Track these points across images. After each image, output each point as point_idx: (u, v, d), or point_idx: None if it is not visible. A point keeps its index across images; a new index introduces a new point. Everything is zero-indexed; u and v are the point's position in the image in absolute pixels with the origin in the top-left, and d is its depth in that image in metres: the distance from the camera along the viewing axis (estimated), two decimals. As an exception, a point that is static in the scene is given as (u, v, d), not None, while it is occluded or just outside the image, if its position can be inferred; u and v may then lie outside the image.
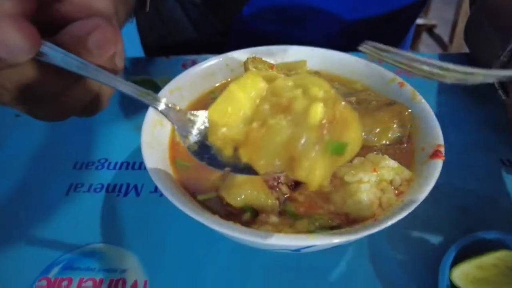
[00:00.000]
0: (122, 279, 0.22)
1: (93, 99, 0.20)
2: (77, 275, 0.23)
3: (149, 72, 0.42)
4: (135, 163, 0.29)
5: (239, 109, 0.20)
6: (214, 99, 0.27)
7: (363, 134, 0.22)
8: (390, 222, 0.16)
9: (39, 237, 0.24)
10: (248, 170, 0.18)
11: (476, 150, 0.28)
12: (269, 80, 0.21)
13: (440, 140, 0.20)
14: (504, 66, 0.27)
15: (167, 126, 0.24)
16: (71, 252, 0.24)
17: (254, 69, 0.26)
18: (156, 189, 0.26)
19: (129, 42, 0.62)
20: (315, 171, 0.15)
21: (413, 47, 1.82)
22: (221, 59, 0.30)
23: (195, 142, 0.21)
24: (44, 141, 0.32)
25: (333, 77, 0.29)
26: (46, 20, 0.16)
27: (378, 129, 0.22)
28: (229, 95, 0.20)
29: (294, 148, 0.15)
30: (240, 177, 0.19)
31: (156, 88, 0.40)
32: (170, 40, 0.53)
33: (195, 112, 0.21)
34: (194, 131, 0.21)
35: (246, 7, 0.48)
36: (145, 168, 0.23)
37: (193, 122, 0.22)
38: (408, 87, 0.24)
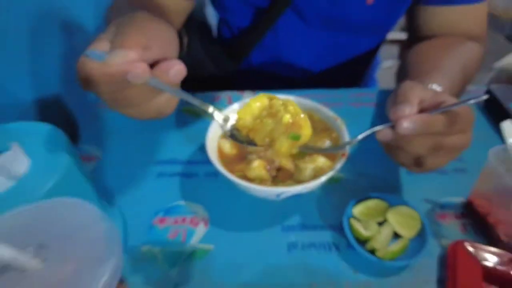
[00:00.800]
0: (195, 217, 0.43)
1: (164, 107, 0.30)
2: (172, 216, 0.44)
3: (187, 104, 0.63)
4: (194, 161, 0.50)
5: (251, 112, 0.39)
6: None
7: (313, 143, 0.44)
8: (317, 182, 0.38)
9: (148, 200, 0.45)
10: (253, 143, 0.37)
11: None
12: (271, 99, 0.40)
13: (347, 150, 0.41)
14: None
15: (216, 137, 0.45)
16: (166, 206, 0.45)
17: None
18: (211, 173, 0.47)
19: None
20: (282, 147, 0.36)
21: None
22: (241, 102, 0.50)
23: (229, 130, 0.38)
24: (142, 148, 0.53)
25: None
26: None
27: (319, 142, 0.44)
28: (248, 104, 0.39)
29: (273, 134, 0.36)
30: (254, 163, 0.40)
31: (197, 114, 0.62)
32: (197, 73, 0.75)
33: (228, 114, 0.38)
34: (229, 124, 0.38)
35: (254, 54, 0.70)
36: (201, 163, 0.45)
37: (228, 119, 0.38)
38: (339, 120, 0.45)
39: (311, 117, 0.47)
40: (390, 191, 0.44)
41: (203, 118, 0.57)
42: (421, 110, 0.32)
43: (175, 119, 0.57)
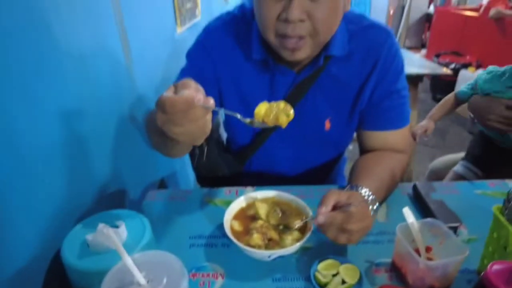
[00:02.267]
0: (215, 273, 0.65)
1: (206, 126, 0.47)
2: (200, 272, 0.66)
3: (208, 196, 0.90)
4: (214, 235, 0.74)
5: (260, 109, 0.52)
6: (243, 211, 0.75)
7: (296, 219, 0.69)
8: (294, 248, 0.62)
9: (184, 262, 0.68)
10: (266, 125, 0.52)
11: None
12: (269, 104, 0.53)
13: (311, 227, 0.66)
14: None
15: (229, 219, 0.70)
16: (196, 265, 0.68)
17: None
18: (225, 244, 0.71)
19: (187, 178, 1.16)
20: (282, 119, 0.51)
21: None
22: (245, 195, 0.77)
23: (248, 121, 0.53)
24: (179, 228, 0.78)
25: (281, 201, 0.76)
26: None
27: (295, 222, 0.69)
28: (259, 105, 0.53)
29: (277, 114, 0.51)
30: (254, 236, 0.64)
31: (215, 204, 0.87)
32: (214, 174, 1.02)
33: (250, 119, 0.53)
34: (247, 119, 0.52)
35: (253, 161, 0.99)
36: (219, 237, 0.70)
37: (244, 118, 0.53)
38: (307, 208, 0.71)
39: (289, 205, 0.74)
40: (341, 255, 0.68)
41: (220, 206, 0.83)
42: (336, 208, 0.59)
43: (200, 208, 0.83)
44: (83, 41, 0.72)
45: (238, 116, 0.52)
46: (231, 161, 0.97)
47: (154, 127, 0.60)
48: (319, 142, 0.89)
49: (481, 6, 3.82)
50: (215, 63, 0.81)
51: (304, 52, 0.69)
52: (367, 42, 0.78)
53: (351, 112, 0.84)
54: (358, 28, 0.78)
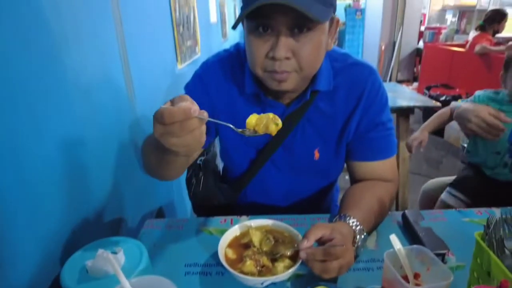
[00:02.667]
0: None
1: (201, 137, 0.49)
2: None
3: (203, 225, 0.92)
4: (208, 263, 0.76)
5: (251, 120, 0.57)
6: (237, 239, 0.77)
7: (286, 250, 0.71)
8: (286, 274, 0.64)
9: None
10: (257, 132, 0.56)
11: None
12: (259, 115, 0.58)
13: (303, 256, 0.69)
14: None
15: (224, 247, 0.72)
16: None
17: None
18: (219, 272, 0.73)
19: (184, 207, 1.19)
20: (271, 128, 0.56)
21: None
22: (239, 224, 0.80)
23: (240, 131, 0.57)
24: (175, 256, 0.79)
25: (274, 229, 0.79)
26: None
27: (287, 250, 0.71)
28: (250, 117, 0.57)
29: (267, 124, 0.56)
30: (247, 263, 0.67)
31: (211, 233, 0.90)
32: (209, 202, 1.03)
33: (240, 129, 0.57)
34: (239, 129, 0.57)
35: (247, 190, 1.02)
36: (213, 265, 0.71)
37: (238, 128, 0.58)
38: (299, 236, 0.74)
39: (282, 233, 0.77)
40: (332, 281, 0.69)
41: (215, 235, 0.85)
42: (320, 241, 0.62)
43: (196, 236, 0.85)
44: (89, 74, 0.78)
45: (231, 126, 0.56)
46: (226, 190, 1.00)
47: (152, 144, 0.63)
48: (310, 171, 0.93)
49: (467, 42, 4.02)
50: (211, 95, 0.87)
51: (290, 83, 0.74)
52: (351, 78, 0.84)
53: (338, 143, 0.89)
54: (343, 66, 0.85)
